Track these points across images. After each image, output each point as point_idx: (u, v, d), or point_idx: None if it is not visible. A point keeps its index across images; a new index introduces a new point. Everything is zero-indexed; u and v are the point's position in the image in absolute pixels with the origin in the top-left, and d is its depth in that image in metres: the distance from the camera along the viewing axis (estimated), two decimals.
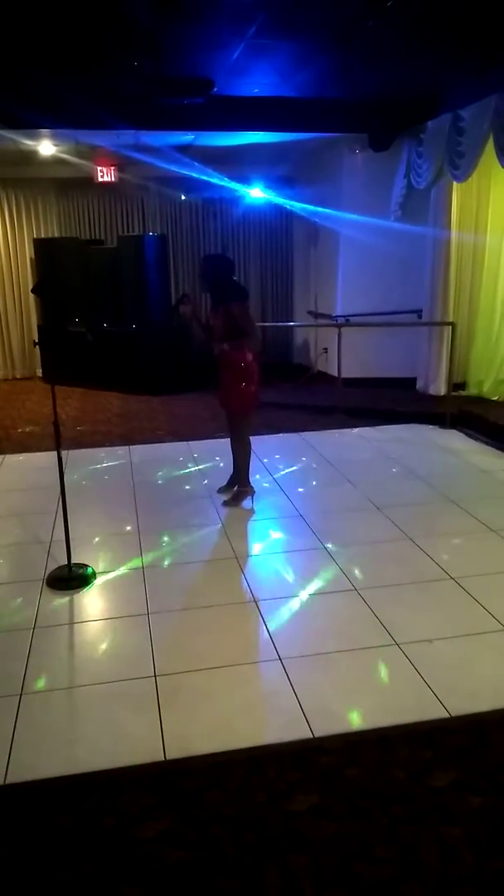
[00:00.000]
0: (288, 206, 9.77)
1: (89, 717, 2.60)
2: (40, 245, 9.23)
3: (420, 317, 7.85)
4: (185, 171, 8.82)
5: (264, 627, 3.18)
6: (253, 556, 3.98)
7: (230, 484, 4.90)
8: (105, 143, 7.95)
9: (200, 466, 5.63)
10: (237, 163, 8.96)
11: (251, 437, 4.79)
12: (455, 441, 6.28)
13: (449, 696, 2.62)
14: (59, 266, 8.83)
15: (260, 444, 5.92)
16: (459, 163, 6.26)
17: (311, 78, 5.99)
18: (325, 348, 8.78)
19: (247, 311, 4.45)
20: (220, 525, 4.43)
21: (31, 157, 8.53)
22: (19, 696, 2.71)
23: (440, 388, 7.52)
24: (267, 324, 9.71)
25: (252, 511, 4.63)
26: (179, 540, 4.20)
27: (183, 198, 9.74)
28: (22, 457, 6.01)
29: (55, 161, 8.66)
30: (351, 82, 6.26)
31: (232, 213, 9.93)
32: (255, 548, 4.09)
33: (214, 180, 9.03)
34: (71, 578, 3.65)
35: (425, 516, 4.48)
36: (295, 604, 3.39)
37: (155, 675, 2.81)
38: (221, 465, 5.50)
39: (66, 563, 3.72)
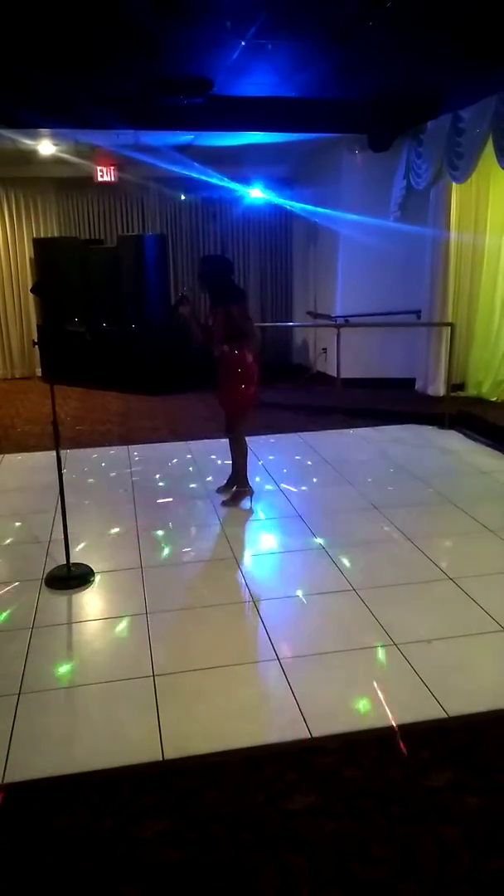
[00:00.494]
0: (287, 207, 9.76)
1: (87, 717, 2.60)
2: (40, 245, 9.23)
3: (419, 317, 7.86)
4: (185, 171, 8.81)
5: (263, 627, 3.18)
6: (251, 556, 3.99)
7: (229, 484, 4.91)
8: (105, 143, 7.95)
9: (199, 466, 5.63)
10: (237, 163, 8.96)
11: (246, 438, 4.79)
12: (454, 442, 6.28)
13: (447, 696, 2.62)
14: (58, 266, 8.83)
15: (259, 445, 5.93)
16: (459, 164, 6.27)
17: (310, 78, 5.99)
18: (325, 349, 8.79)
19: (246, 312, 4.46)
20: (218, 525, 4.43)
21: (30, 156, 8.53)
22: (17, 696, 2.71)
23: (439, 388, 7.53)
24: (266, 324, 9.71)
25: (251, 511, 4.64)
26: (178, 540, 4.20)
27: (182, 198, 9.74)
28: (21, 456, 6.00)
29: (55, 161, 8.66)
30: (351, 82, 6.26)
31: (231, 213, 9.92)
32: (254, 548, 4.10)
33: (214, 180, 9.02)
34: (70, 578, 3.65)
35: (424, 517, 4.48)
36: (293, 604, 3.40)
37: (153, 675, 2.81)
38: (220, 464, 5.50)
39: (65, 562, 3.71)
